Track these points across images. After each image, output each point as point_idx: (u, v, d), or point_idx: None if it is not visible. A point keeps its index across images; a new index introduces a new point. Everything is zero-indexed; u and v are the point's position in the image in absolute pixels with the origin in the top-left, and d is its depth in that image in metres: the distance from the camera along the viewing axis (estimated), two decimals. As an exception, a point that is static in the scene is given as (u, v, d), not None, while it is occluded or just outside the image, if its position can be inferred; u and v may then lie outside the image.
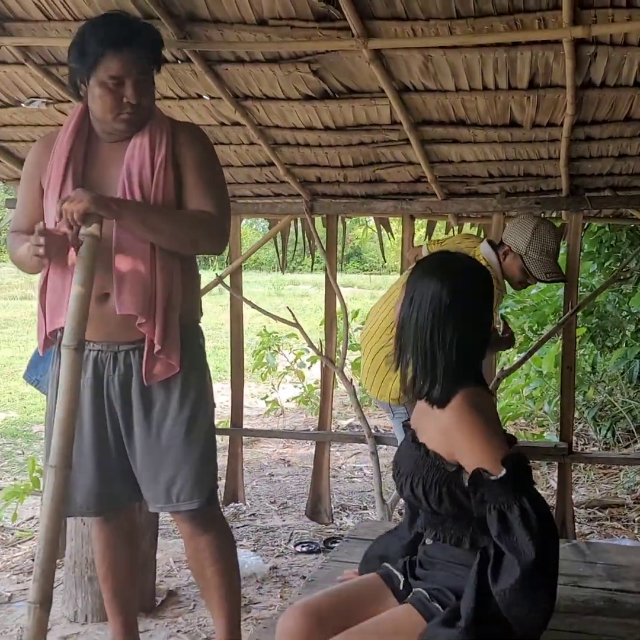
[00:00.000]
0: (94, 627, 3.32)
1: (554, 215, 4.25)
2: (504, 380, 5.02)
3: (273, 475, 5.77)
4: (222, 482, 4.61)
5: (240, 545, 4.30)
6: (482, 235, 4.42)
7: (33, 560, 3.87)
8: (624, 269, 4.83)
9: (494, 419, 1.92)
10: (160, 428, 2.56)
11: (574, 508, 4.35)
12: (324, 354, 4.39)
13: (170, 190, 2.52)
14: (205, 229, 2.54)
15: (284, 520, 4.74)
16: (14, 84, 3.38)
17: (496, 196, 3.96)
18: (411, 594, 1.96)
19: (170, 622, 3.36)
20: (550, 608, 1.79)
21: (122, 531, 2.76)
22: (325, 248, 4.34)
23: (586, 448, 6.13)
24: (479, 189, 3.98)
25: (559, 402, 4.68)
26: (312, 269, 4.83)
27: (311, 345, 4.50)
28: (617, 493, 5.17)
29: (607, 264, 6.09)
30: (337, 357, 4.44)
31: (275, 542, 4.38)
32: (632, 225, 5.39)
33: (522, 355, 5.17)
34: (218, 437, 5.13)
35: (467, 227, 4.57)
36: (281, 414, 7.66)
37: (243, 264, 4.55)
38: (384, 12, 2.71)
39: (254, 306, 4.45)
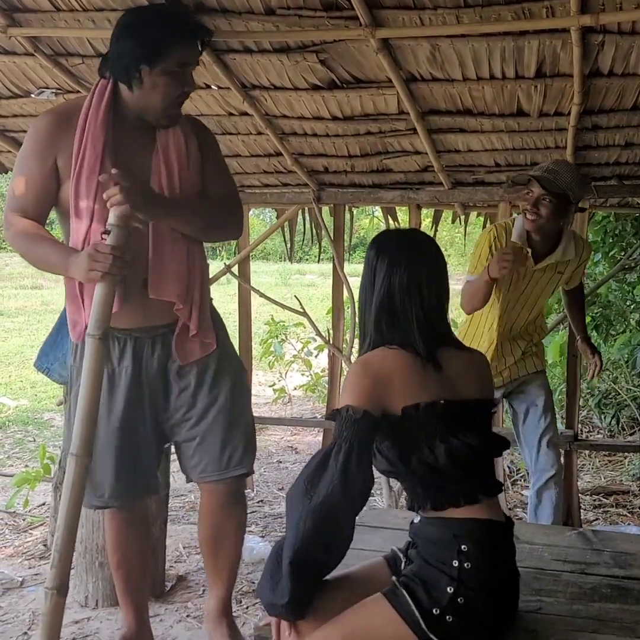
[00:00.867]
0: (104, 611, 3.35)
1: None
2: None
3: (281, 462, 5.81)
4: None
5: (249, 531, 4.33)
6: (487, 225, 4.42)
7: (45, 545, 3.96)
8: (629, 258, 4.84)
9: (366, 374, 1.96)
10: (205, 402, 2.65)
11: (580, 495, 4.38)
12: (331, 342, 4.42)
13: (200, 180, 2.63)
14: (231, 216, 2.69)
15: (291, 507, 4.77)
16: (24, 74, 3.41)
17: (503, 185, 3.97)
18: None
19: (180, 606, 3.40)
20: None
21: (136, 520, 2.79)
22: (332, 237, 4.36)
23: (591, 435, 6.14)
24: (485, 178, 4.00)
25: (564, 391, 4.70)
26: (319, 259, 4.85)
27: (319, 333, 4.53)
28: (622, 480, 5.19)
29: (611, 253, 6.08)
30: (345, 345, 4.47)
31: (282, 528, 4.40)
32: (638, 214, 5.39)
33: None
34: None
35: (473, 217, 4.57)
36: (288, 402, 7.69)
37: (250, 254, 4.58)
38: (392, 1, 2.73)
39: (262, 295, 4.48)
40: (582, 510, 4.44)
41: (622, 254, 5.72)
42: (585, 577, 2.47)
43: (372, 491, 5.01)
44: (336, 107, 3.49)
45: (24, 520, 4.47)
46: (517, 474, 5.18)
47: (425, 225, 4.77)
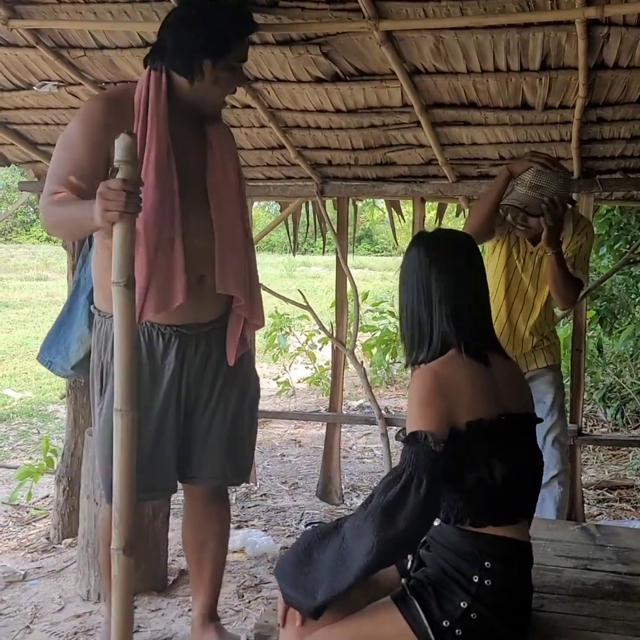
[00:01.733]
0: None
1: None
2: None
3: (284, 456, 5.82)
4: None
5: (252, 525, 4.35)
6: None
7: (48, 538, 3.98)
8: (634, 252, 4.81)
9: (436, 397, 1.90)
10: (237, 404, 2.69)
11: (583, 489, 4.37)
12: (334, 336, 4.41)
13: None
14: None
15: (294, 501, 4.78)
16: (26, 67, 3.39)
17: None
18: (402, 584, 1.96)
19: (182, 600, 3.40)
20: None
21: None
22: (336, 230, 4.34)
23: (595, 429, 6.14)
24: (489, 171, 3.97)
25: (568, 385, 4.69)
26: (323, 252, 4.82)
27: (322, 327, 4.52)
28: (626, 474, 5.18)
29: (616, 246, 6.06)
30: (348, 339, 4.46)
31: (286, 522, 4.42)
32: (640, 208, 5.37)
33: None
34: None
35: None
36: (292, 395, 7.69)
37: (255, 246, 4.56)
38: (395, -6, 2.71)
39: (265, 288, 4.45)
40: (585, 505, 4.44)
41: (627, 247, 5.70)
42: (588, 573, 2.47)
43: (375, 485, 5.03)
44: (339, 99, 3.46)
45: (27, 512, 4.49)
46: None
47: (430, 219, 4.74)
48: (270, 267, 18.13)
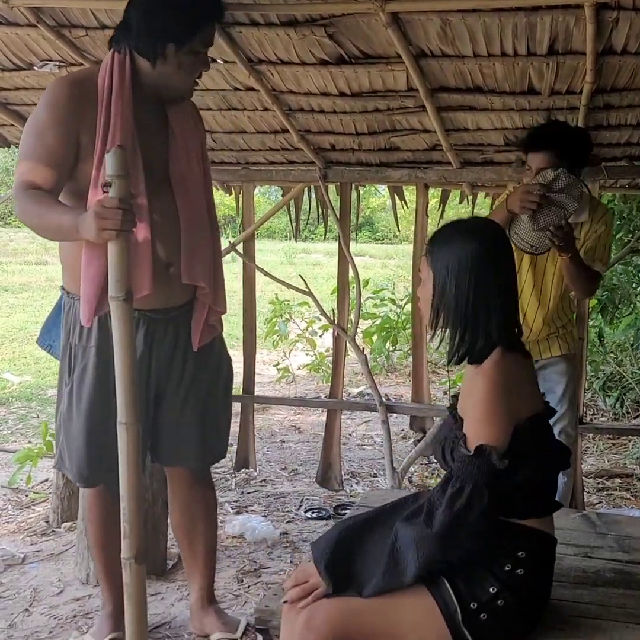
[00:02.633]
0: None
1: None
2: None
3: (284, 442, 5.80)
4: (233, 448, 4.65)
5: (251, 510, 4.34)
6: (494, 206, 4.38)
7: (47, 522, 3.97)
8: (637, 241, 4.78)
9: (506, 395, 1.89)
10: (209, 386, 2.72)
11: (583, 478, 4.36)
12: (336, 322, 4.39)
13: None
14: None
15: (294, 487, 4.77)
16: (26, 46, 3.36)
17: (512, 165, 3.92)
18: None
19: (181, 585, 3.39)
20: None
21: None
22: (338, 216, 4.31)
23: (595, 418, 6.13)
24: (494, 157, 3.94)
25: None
26: (325, 238, 4.80)
27: (323, 313, 4.49)
28: (626, 463, 5.17)
29: (619, 236, 6.03)
30: (349, 325, 4.44)
31: (285, 508, 4.41)
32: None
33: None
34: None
35: (481, 197, 4.52)
36: (292, 382, 7.68)
37: (256, 232, 4.54)
38: (402, -25, 2.68)
39: (266, 274, 4.45)
40: (585, 493, 4.43)
41: (630, 236, 5.67)
42: (588, 560, 2.46)
43: (375, 472, 5.02)
44: (344, 83, 3.43)
45: (26, 496, 4.48)
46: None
47: (433, 205, 4.70)
48: (270, 253, 18.09)
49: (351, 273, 4.37)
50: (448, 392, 6.43)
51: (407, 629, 1.89)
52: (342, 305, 4.42)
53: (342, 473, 4.60)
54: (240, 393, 4.63)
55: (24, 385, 7.45)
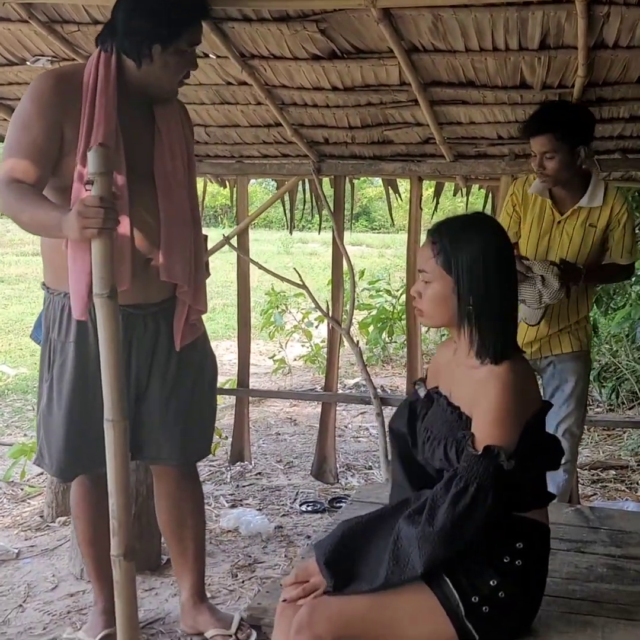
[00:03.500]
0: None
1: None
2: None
3: (280, 434, 5.82)
4: (228, 441, 4.67)
5: (246, 504, 4.36)
6: (489, 199, 4.38)
7: (41, 517, 3.98)
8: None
9: (519, 398, 1.89)
10: (193, 385, 2.71)
11: (578, 469, 4.37)
12: (330, 314, 4.39)
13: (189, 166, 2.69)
14: None
15: (289, 480, 4.78)
16: (19, 42, 3.35)
17: (505, 158, 3.92)
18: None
19: (176, 580, 3.38)
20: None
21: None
22: (332, 209, 4.31)
23: (590, 409, 6.13)
24: (487, 151, 3.94)
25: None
26: (319, 231, 4.79)
27: (317, 306, 4.49)
28: (620, 455, 5.19)
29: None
30: (344, 317, 4.44)
31: (280, 501, 4.42)
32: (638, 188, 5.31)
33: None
34: (225, 397, 5.19)
35: (475, 189, 4.52)
36: (288, 373, 7.69)
37: (253, 222, 4.54)
38: (393, -29, 2.67)
39: (260, 267, 4.44)
40: (580, 485, 4.45)
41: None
42: (581, 555, 2.47)
43: (370, 464, 5.03)
44: (337, 77, 3.42)
45: (21, 490, 4.48)
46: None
47: (427, 197, 4.71)
48: (267, 243, 18.10)
49: (345, 265, 4.37)
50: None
51: (407, 626, 1.89)
52: (337, 297, 4.42)
53: (337, 466, 4.61)
54: (235, 386, 4.64)
55: (19, 378, 7.45)
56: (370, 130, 3.88)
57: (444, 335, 7.29)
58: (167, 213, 2.53)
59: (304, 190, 4.52)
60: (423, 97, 3.43)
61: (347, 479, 4.81)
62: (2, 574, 3.46)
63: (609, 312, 6.73)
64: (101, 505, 2.39)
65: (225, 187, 4.60)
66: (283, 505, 4.36)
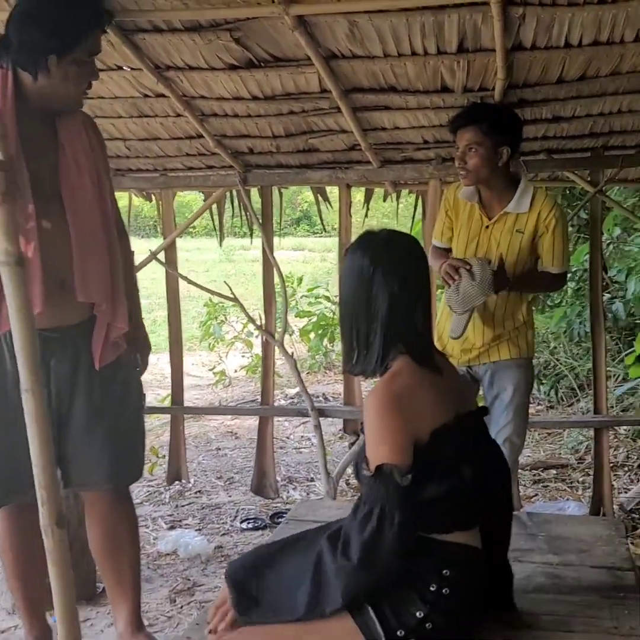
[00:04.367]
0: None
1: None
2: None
3: (220, 449, 5.70)
4: (164, 460, 4.56)
5: (186, 524, 4.25)
6: (419, 203, 4.35)
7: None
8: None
9: (398, 413, 1.80)
10: (119, 407, 2.61)
11: (519, 470, 4.36)
12: (263, 328, 4.31)
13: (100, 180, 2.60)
14: None
15: (230, 496, 4.68)
16: None
17: (432, 162, 3.90)
18: None
19: (111, 610, 3.29)
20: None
21: (36, 522, 2.68)
22: (260, 220, 4.24)
23: (530, 407, 6.14)
24: (414, 155, 3.91)
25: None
26: (251, 241, 4.70)
27: (251, 319, 4.41)
28: (561, 453, 5.20)
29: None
30: (278, 329, 4.37)
31: (220, 519, 4.32)
32: (567, 188, 5.36)
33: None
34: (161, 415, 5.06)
35: (404, 194, 4.48)
36: (229, 385, 7.59)
37: (194, 231, 4.44)
38: (305, -23, 2.62)
39: (190, 282, 4.35)
40: (522, 487, 4.44)
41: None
42: (519, 565, 2.42)
43: (312, 476, 4.95)
44: (256, 86, 3.36)
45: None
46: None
47: (357, 203, 4.65)
48: (209, 251, 17.90)
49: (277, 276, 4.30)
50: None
51: None
52: (269, 310, 4.36)
53: (279, 479, 4.53)
54: (170, 404, 4.53)
55: None
56: (295, 138, 3.82)
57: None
58: (78, 232, 2.44)
59: (232, 201, 4.43)
60: (345, 104, 3.38)
61: (288, 492, 4.73)
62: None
63: (546, 309, 6.78)
64: (29, 539, 2.32)
65: (150, 201, 4.49)
66: (223, 523, 4.26)
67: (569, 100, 3.38)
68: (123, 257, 2.67)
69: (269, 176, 4.13)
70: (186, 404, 4.79)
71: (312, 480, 4.93)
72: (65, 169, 2.44)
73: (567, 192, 5.82)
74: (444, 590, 1.83)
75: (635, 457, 4.91)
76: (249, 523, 4.21)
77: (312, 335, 8.25)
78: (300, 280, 8.23)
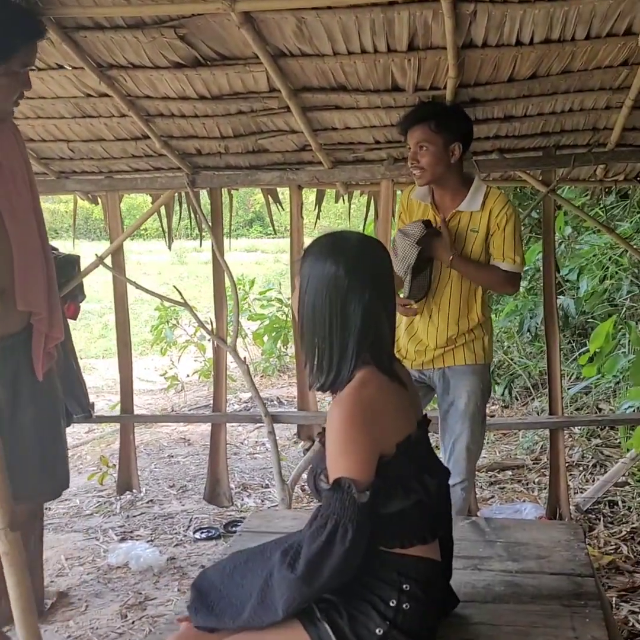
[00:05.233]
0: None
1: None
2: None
3: (172, 456, 5.57)
4: (115, 469, 4.44)
5: (137, 535, 4.14)
6: (371, 204, 4.28)
7: None
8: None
9: (364, 427, 1.73)
10: (51, 418, 2.63)
11: (476, 473, 4.32)
12: (214, 332, 4.22)
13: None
14: None
15: (183, 505, 4.57)
16: None
17: (384, 163, 3.84)
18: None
19: (61, 626, 3.19)
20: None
21: None
22: (210, 223, 4.14)
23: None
24: (366, 156, 3.84)
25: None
26: (200, 244, 4.60)
27: (202, 325, 4.30)
28: (516, 454, 5.18)
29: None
30: (229, 335, 4.28)
31: (173, 529, 4.21)
32: (518, 187, 5.34)
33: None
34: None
35: (356, 195, 4.42)
36: (182, 390, 7.46)
37: (146, 234, 4.33)
38: (250, -28, 2.54)
39: (138, 287, 4.24)
40: (478, 489, 4.41)
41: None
42: (478, 573, 2.38)
43: (267, 482, 4.87)
44: (202, 86, 3.27)
45: None
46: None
47: (309, 204, 4.58)
48: (161, 254, 17.65)
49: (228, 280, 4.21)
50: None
51: None
52: (220, 314, 4.26)
53: (233, 486, 4.44)
54: (119, 413, 4.41)
55: None
56: (244, 139, 3.74)
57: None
58: (17, 240, 2.43)
59: (180, 203, 4.33)
60: (294, 104, 3.31)
61: (243, 500, 4.63)
62: None
63: (497, 307, 6.78)
64: None
65: (96, 204, 4.37)
66: (176, 533, 4.15)
67: (520, 99, 3.35)
68: None
69: (218, 178, 4.03)
70: (138, 410, 4.68)
71: (266, 486, 4.83)
72: (2, 179, 2.40)
73: (519, 191, 5.81)
74: (404, 605, 1.78)
75: (590, 457, 4.92)
76: (202, 533, 4.11)
77: (265, 338, 8.15)
78: (252, 282, 8.13)
